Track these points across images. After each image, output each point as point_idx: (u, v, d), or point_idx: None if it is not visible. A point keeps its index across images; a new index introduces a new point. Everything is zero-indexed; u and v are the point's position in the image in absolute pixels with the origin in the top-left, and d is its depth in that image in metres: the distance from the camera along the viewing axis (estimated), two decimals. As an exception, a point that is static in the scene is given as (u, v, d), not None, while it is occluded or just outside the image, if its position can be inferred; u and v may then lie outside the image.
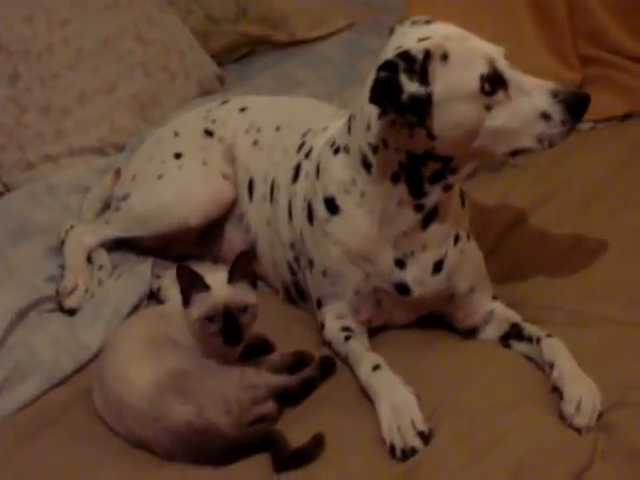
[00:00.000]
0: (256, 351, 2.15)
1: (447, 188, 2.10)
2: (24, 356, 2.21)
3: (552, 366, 2.03)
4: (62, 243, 2.57)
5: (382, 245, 2.14)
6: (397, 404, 1.94)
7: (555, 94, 2.01)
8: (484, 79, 1.98)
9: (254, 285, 2.10)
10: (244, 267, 2.07)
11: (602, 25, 3.27)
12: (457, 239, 2.17)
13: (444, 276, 2.16)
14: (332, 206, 2.17)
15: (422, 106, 1.94)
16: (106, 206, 2.71)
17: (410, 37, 2.04)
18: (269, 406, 1.97)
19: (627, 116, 3.15)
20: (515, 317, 2.20)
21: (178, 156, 2.56)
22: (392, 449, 1.88)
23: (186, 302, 2.04)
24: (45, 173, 2.87)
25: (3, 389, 2.14)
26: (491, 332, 2.21)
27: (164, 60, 3.17)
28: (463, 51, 1.99)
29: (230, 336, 2.02)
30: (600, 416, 1.93)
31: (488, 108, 1.99)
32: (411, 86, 1.93)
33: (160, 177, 2.54)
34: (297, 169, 2.34)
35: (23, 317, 2.34)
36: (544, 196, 2.75)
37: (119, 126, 3.01)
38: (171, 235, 2.53)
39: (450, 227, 2.15)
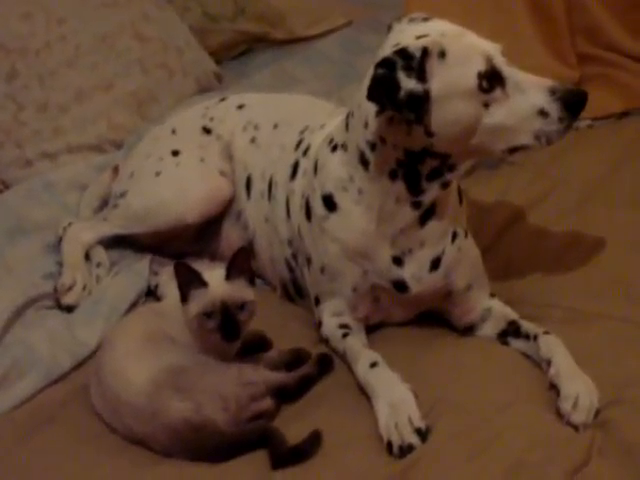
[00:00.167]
0: (254, 348, 2.15)
1: (445, 185, 2.10)
2: (22, 353, 2.21)
3: (549, 363, 2.03)
4: (60, 240, 2.57)
5: (380, 242, 2.14)
6: (394, 401, 1.95)
7: (553, 91, 2.01)
8: (482, 76, 1.98)
9: (252, 282, 2.10)
10: (242, 264, 2.07)
11: (600, 23, 3.27)
12: (455, 236, 2.18)
13: (441, 273, 2.16)
14: (330, 203, 2.17)
15: (420, 103, 1.94)
16: (104, 203, 2.71)
17: (408, 34, 2.04)
18: (267, 403, 1.97)
19: (625, 114, 3.15)
20: (512, 314, 2.20)
21: (176, 153, 2.56)
22: (389, 446, 1.88)
23: (184, 299, 2.04)
24: (43, 170, 2.87)
25: (1, 386, 2.14)
26: (489, 329, 2.21)
27: (162, 57, 3.17)
28: (460, 48, 1.99)
29: (228, 332, 2.02)
30: (597, 413, 1.93)
31: (486, 105, 1.99)
32: (409, 83, 1.93)
33: (158, 174, 2.54)
34: (295, 166, 2.34)
35: (21, 314, 2.34)
36: (542, 194, 2.75)
37: (117, 123, 3.00)
38: (169, 232, 2.53)
39: (448, 224, 2.16)
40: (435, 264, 2.15)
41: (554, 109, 2.00)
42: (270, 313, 2.27)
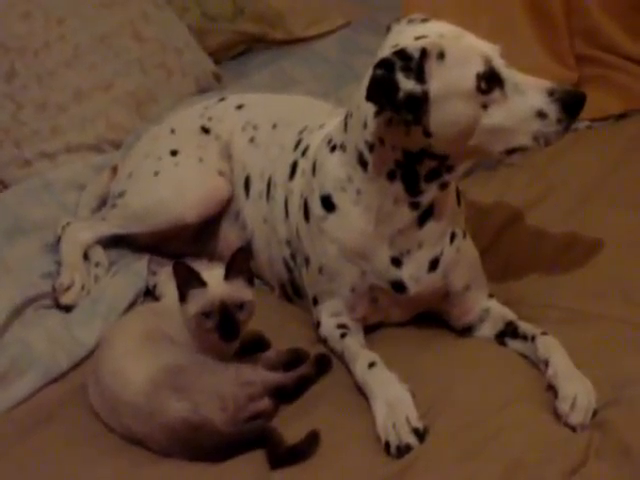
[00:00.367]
0: (252, 348, 2.15)
1: (443, 186, 2.10)
2: (20, 352, 2.21)
3: (547, 364, 2.03)
4: (58, 240, 2.57)
5: (378, 243, 2.14)
6: (392, 401, 1.95)
7: (551, 93, 2.02)
8: (480, 77, 1.98)
9: (251, 282, 2.10)
10: (241, 264, 2.07)
11: (599, 24, 3.28)
12: (453, 237, 2.18)
13: (440, 274, 2.17)
14: (328, 204, 2.18)
15: (418, 104, 1.94)
16: (103, 203, 2.71)
17: (406, 35, 2.04)
18: (265, 403, 1.97)
19: (623, 115, 3.16)
20: (510, 315, 2.20)
21: (174, 153, 2.56)
22: (387, 446, 1.89)
23: (182, 298, 2.04)
24: (41, 170, 2.87)
25: (-1, 385, 2.15)
26: (486, 330, 2.21)
27: (161, 57, 3.17)
28: (459, 49, 2.00)
29: (226, 332, 2.03)
30: (595, 414, 1.93)
31: (484, 106, 1.99)
32: (407, 84, 1.93)
33: (156, 174, 2.54)
34: (294, 166, 2.34)
35: (19, 314, 2.34)
36: (540, 195, 2.76)
37: (116, 123, 3.00)
38: (167, 232, 2.53)
39: (446, 225, 2.16)
40: (433, 265, 2.16)
41: (552, 110, 2.01)
42: (268, 313, 2.27)
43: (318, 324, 2.24)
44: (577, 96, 2.05)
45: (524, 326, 2.16)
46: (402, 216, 2.11)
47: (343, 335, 2.18)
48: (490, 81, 1.99)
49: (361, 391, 2.04)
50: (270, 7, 3.69)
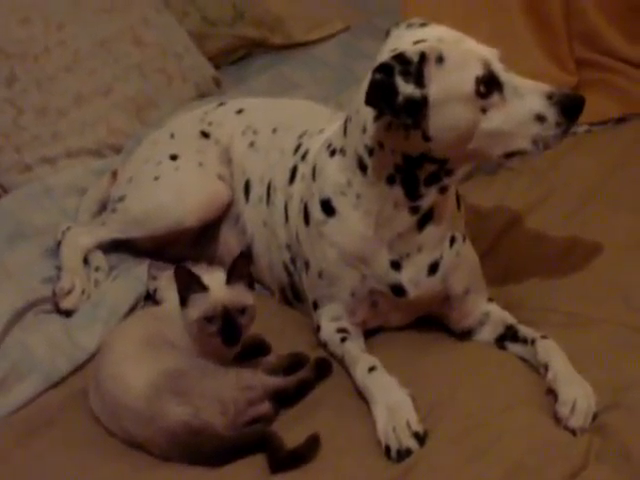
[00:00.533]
0: (252, 352, 2.15)
1: (443, 190, 2.10)
2: (21, 357, 2.22)
3: (547, 368, 2.03)
4: (59, 244, 2.57)
5: (378, 247, 2.14)
6: (392, 405, 1.95)
7: (550, 96, 2.02)
8: (479, 81, 1.99)
9: (251, 286, 2.10)
10: (242, 268, 2.07)
11: (597, 28, 3.28)
12: (453, 241, 2.18)
13: (439, 278, 2.17)
14: (328, 208, 2.18)
15: (417, 108, 1.94)
16: (103, 208, 2.71)
17: (406, 40, 2.04)
18: (265, 407, 1.97)
19: (622, 119, 3.15)
20: (510, 319, 2.20)
21: (174, 157, 2.56)
22: (387, 450, 1.89)
23: (183, 302, 2.05)
24: (42, 175, 2.87)
25: (-1, 390, 2.15)
26: (486, 334, 2.21)
27: (161, 62, 3.18)
28: (458, 53, 2.00)
29: (229, 337, 2.03)
30: (595, 417, 1.93)
31: (483, 110, 2.00)
32: (406, 88, 1.93)
33: (156, 178, 2.54)
34: (293, 171, 2.34)
35: (20, 318, 2.34)
36: (540, 199, 2.76)
37: (116, 128, 3.01)
38: (167, 236, 2.53)
39: (446, 229, 2.16)
40: (433, 268, 2.16)
41: (551, 114, 2.01)
42: (268, 317, 2.27)
43: (318, 328, 2.24)
44: (576, 99, 2.06)
45: (524, 330, 2.16)
46: (402, 220, 2.11)
47: (343, 339, 2.18)
48: (489, 85, 1.99)
49: (361, 395, 2.04)
50: (270, 12, 3.69)
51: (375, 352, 2.14)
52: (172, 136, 2.63)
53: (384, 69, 1.95)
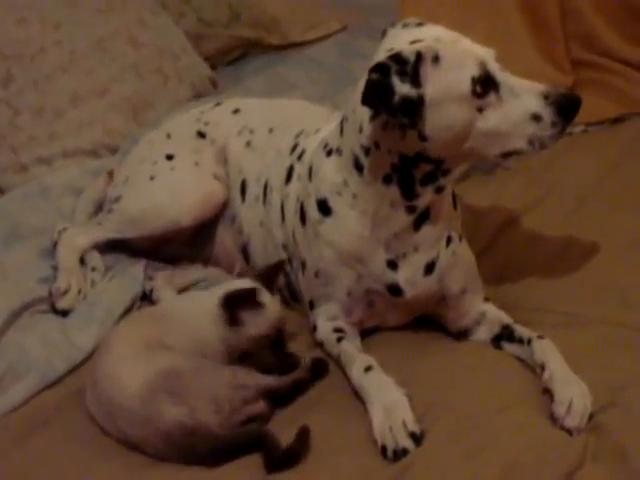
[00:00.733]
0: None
1: (439, 190, 2.10)
2: (17, 357, 2.22)
3: (543, 367, 2.03)
4: (55, 245, 2.57)
5: (374, 246, 2.14)
6: (389, 405, 1.95)
7: (546, 96, 2.02)
8: (475, 81, 1.99)
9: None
10: (276, 278, 2.11)
11: (594, 29, 3.29)
12: (449, 241, 2.18)
13: (436, 277, 2.17)
14: (324, 208, 2.18)
15: (414, 108, 1.94)
16: (99, 208, 2.71)
17: (402, 39, 2.04)
18: (260, 406, 1.97)
19: (618, 119, 3.15)
20: (506, 319, 2.20)
21: (170, 157, 2.56)
22: (384, 450, 1.89)
23: (234, 322, 2.08)
24: (38, 175, 2.87)
25: (-4, 390, 2.15)
26: (483, 334, 2.21)
27: (157, 63, 3.18)
28: (454, 53, 2.00)
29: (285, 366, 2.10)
30: (591, 417, 1.93)
31: (479, 110, 2.00)
32: (403, 88, 1.93)
33: (152, 178, 2.54)
34: (290, 171, 2.34)
35: (16, 318, 2.34)
36: (536, 198, 2.76)
37: (112, 128, 3.01)
38: (163, 236, 2.53)
39: (442, 229, 2.16)
40: (429, 268, 2.16)
41: (547, 113, 2.01)
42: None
43: (314, 328, 2.24)
44: (572, 99, 2.06)
45: (520, 330, 2.16)
46: (398, 220, 2.11)
47: (339, 339, 2.18)
48: (485, 85, 1.99)
49: (358, 395, 2.04)
50: (266, 12, 3.69)
51: (371, 352, 2.14)
52: (168, 136, 2.63)
53: (380, 69, 1.95)
